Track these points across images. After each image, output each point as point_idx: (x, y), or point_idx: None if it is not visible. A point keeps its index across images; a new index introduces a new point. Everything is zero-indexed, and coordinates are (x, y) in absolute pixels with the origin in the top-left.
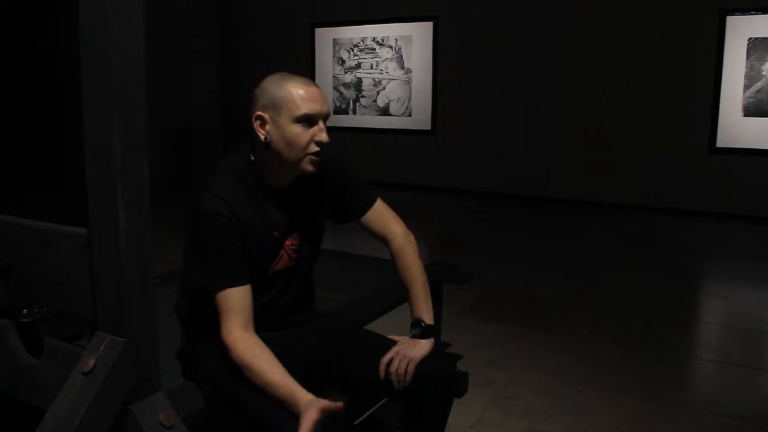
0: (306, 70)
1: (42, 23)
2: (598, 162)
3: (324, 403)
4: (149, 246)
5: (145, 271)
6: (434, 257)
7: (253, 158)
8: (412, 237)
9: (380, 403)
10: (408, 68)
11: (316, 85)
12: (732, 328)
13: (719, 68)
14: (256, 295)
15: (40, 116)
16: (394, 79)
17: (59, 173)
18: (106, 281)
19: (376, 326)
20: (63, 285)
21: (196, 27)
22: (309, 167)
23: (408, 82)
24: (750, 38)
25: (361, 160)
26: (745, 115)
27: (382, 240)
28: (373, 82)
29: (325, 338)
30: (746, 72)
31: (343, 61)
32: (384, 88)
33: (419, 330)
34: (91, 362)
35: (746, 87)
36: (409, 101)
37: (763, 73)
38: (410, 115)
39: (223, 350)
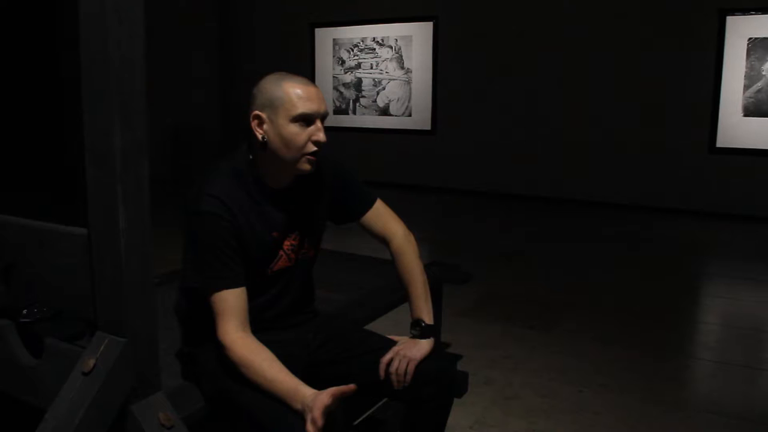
0: (306, 70)
1: (42, 23)
2: (598, 162)
3: (334, 389)
4: (149, 246)
5: (145, 271)
6: (434, 257)
7: (251, 158)
8: (412, 237)
9: (380, 403)
10: (408, 68)
11: (314, 85)
12: (732, 328)
13: (719, 68)
14: (255, 295)
15: (41, 116)
16: (394, 79)
17: (59, 173)
18: (106, 281)
19: (376, 326)
20: (63, 285)
21: (196, 27)
22: (306, 167)
23: (408, 82)
24: (750, 38)
25: (361, 160)
26: (745, 115)
27: (382, 240)
28: (373, 82)
29: (325, 338)
30: (746, 72)
31: (343, 61)
32: (384, 88)
33: (419, 330)
34: (91, 362)
35: (746, 87)
36: (409, 101)
37: (763, 73)
38: (410, 115)
39: (221, 350)
